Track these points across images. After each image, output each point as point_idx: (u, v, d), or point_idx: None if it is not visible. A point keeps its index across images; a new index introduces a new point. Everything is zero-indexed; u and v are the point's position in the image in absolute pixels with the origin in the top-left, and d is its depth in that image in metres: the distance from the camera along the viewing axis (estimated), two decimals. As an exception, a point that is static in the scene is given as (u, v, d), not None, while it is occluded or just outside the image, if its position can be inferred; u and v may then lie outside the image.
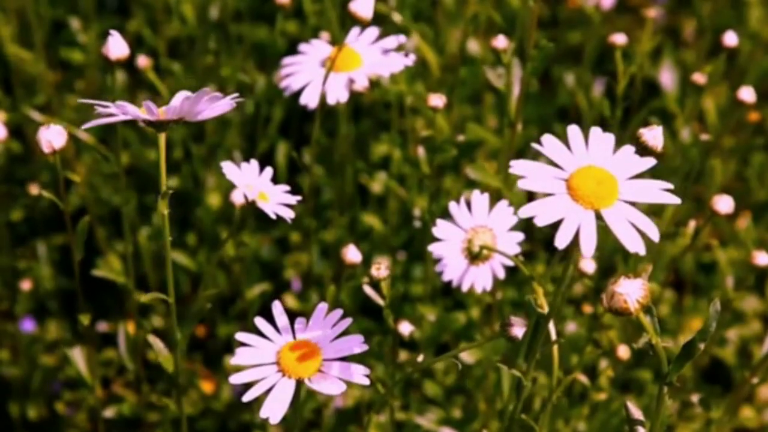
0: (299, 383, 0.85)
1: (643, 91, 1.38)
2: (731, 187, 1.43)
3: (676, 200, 0.78)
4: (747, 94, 1.15)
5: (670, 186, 0.78)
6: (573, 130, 0.80)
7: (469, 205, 1.00)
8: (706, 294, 1.43)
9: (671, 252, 1.27)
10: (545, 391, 1.17)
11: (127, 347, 1.24)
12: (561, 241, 0.74)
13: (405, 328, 1.04)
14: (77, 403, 1.36)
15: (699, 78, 1.20)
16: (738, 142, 1.46)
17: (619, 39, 1.17)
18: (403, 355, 1.26)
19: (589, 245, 0.74)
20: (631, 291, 0.76)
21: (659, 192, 0.78)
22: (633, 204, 0.77)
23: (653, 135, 0.83)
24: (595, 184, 0.77)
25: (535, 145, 0.79)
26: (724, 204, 1.08)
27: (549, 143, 0.79)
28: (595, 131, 0.80)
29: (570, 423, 1.21)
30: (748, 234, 1.34)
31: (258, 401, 1.31)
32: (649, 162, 0.80)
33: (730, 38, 1.21)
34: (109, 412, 1.30)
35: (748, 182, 1.47)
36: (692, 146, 1.34)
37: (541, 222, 0.74)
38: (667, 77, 1.54)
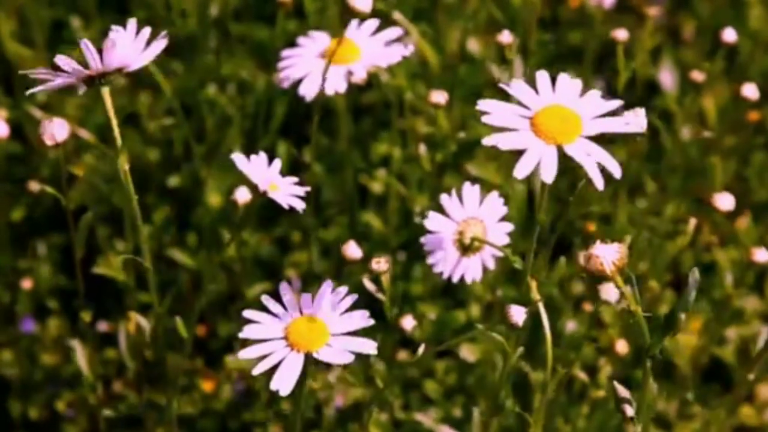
0: (308, 357, 0.87)
1: (643, 91, 1.38)
2: (731, 187, 1.42)
3: (640, 127, 0.81)
4: (750, 91, 1.16)
5: (637, 116, 0.80)
6: (541, 75, 0.83)
7: (460, 197, 1.01)
8: (706, 294, 1.43)
9: (671, 252, 1.27)
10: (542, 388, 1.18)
11: (128, 346, 1.24)
12: (521, 170, 0.77)
13: (408, 323, 1.04)
14: (78, 403, 1.36)
15: (698, 75, 1.20)
16: (738, 142, 1.46)
17: (621, 34, 1.17)
18: (403, 354, 1.26)
19: (549, 175, 0.77)
20: (606, 253, 0.79)
21: (623, 125, 0.80)
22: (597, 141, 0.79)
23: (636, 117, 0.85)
24: (559, 122, 0.78)
25: (502, 85, 0.81)
26: (725, 201, 1.08)
27: (517, 86, 0.82)
28: (563, 77, 0.83)
29: (570, 421, 1.21)
30: (748, 234, 1.34)
31: (258, 401, 1.32)
32: (613, 104, 0.82)
33: (729, 34, 1.21)
34: (109, 412, 1.30)
35: (748, 182, 1.47)
36: (692, 145, 1.34)
37: (503, 147, 0.77)
38: (667, 77, 1.54)
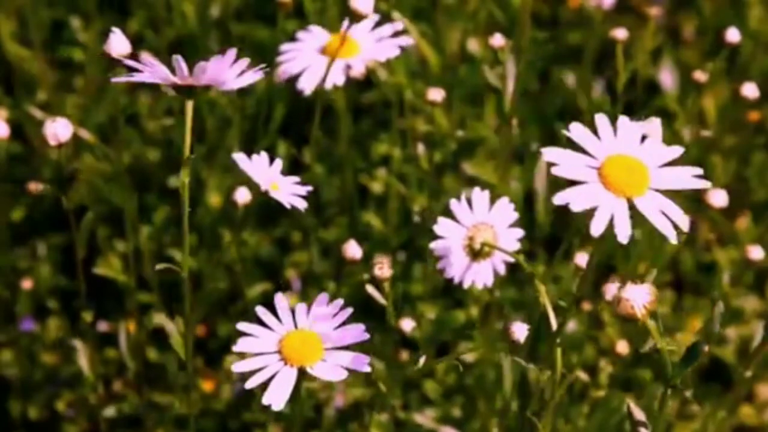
0: (301, 371, 0.86)
1: (643, 91, 1.38)
2: (731, 187, 1.43)
3: (707, 184, 0.79)
4: (750, 90, 1.15)
5: (700, 171, 0.79)
6: (601, 119, 0.80)
7: (470, 202, 1.00)
8: (706, 294, 1.43)
9: (671, 251, 1.27)
10: (546, 391, 1.18)
11: (128, 346, 1.24)
12: (596, 228, 0.75)
13: (407, 324, 1.04)
14: (78, 403, 1.36)
15: (700, 76, 1.20)
16: (738, 141, 1.46)
17: (620, 33, 1.17)
18: (403, 355, 1.26)
19: (624, 232, 0.75)
20: (637, 297, 0.78)
21: (691, 179, 0.79)
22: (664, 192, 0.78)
23: (653, 128, 0.84)
24: (626, 172, 0.77)
25: (564, 132, 0.79)
26: (718, 198, 1.08)
27: (577, 130, 0.80)
28: (623, 120, 0.81)
29: (570, 421, 1.21)
30: (748, 233, 1.34)
31: (258, 400, 1.31)
32: (679, 150, 0.81)
33: (732, 35, 1.21)
34: (109, 412, 1.30)
35: (748, 181, 1.47)
36: (692, 145, 1.34)
37: (576, 208, 0.75)
38: (667, 77, 1.54)
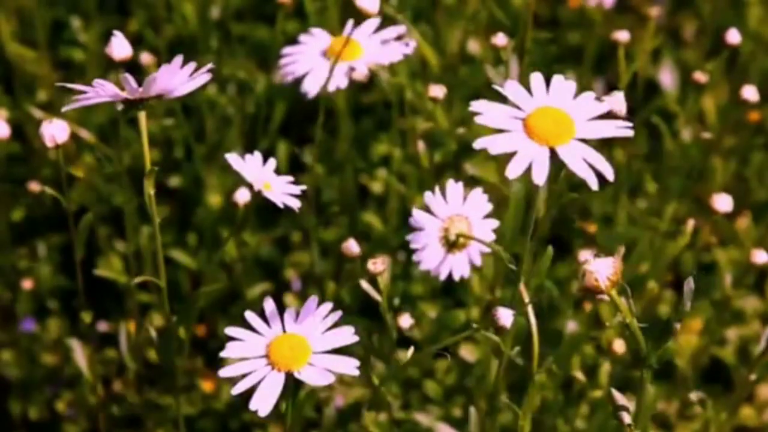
0: (288, 376, 0.85)
1: (644, 91, 1.39)
2: (731, 187, 1.43)
3: (628, 133, 0.80)
4: (750, 93, 1.16)
5: (628, 123, 0.80)
6: (536, 76, 0.83)
7: (444, 194, 1.01)
8: (706, 294, 1.43)
9: (671, 252, 1.27)
10: (544, 390, 1.18)
11: (128, 346, 1.24)
12: (512, 171, 0.77)
13: (405, 321, 1.05)
14: (78, 403, 1.36)
15: (700, 77, 1.20)
16: (738, 142, 1.46)
17: (622, 36, 1.17)
18: (402, 354, 1.26)
19: (540, 176, 0.77)
20: (601, 269, 0.79)
21: (613, 128, 0.80)
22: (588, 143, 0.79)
23: (615, 101, 0.85)
24: (552, 124, 0.78)
25: (495, 86, 0.81)
26: (723, 203, 1.08)
27: (510, 87, 0.82)
28: (558, 78, 0.83)
29: (569, 421, 1.21)
30: (748, 234, 1.34)
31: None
32: (606, 106, 0.82)
33: (733, 36, 1.21)
34: (109, 412, 1.30)
35: (748, 182, 1.48)
36: (692, 146, 1.34)
37: (494, 151, 0.77)
38: (667, 77, 1.54)
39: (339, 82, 1.10)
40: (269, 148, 1.40)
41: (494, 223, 1.02)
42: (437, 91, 1.12)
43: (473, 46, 1.44)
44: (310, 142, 1.41)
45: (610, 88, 1.39)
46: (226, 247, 1.25)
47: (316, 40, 1.14)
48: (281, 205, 0.94)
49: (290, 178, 0.97)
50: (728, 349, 1.38)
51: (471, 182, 1.27)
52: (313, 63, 1.12)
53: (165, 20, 1.44)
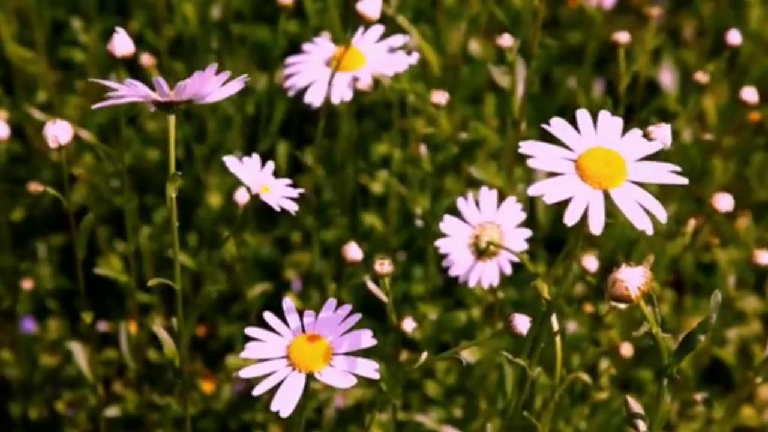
0: (309, 377, 0.85)
1: (644, 91, 1.39)
2: (731, 187, 1.43)
3: (683, 181, 0.79)
4: (749, 94, 1.16)
5: (678, 168, 0.79)
6: (582, 114, 0.81)
7: (477, 201, 1.00)
8: (706, 294, 1.43)
9: (671, 252, 1.27)
10: (546, 391, 1.18)
11: (129, 346, 1.24)
12: (570, 218, 0.75)
13: (408, 324, 1.04)
14: (78, 403, 1.36)
15: (701, 77, 1.20)
16: (738, 142, 1.46)
17: (622, 37, 1.17)
18: (404, 355, 1.26)
19: (597, 223, 0.75)
20: (632, 278, 0.77)
21: (667, 173, 0.79)
22: (642, 186, 0.78)
23: (663, 134, 0.84)
24: (604, 165, 0.77)
25: (544, 125, 0.79)
26: (724, 202, 1.08)
27: (557, 125, 0.80)
28: (604, 114, 0.81)
29: (571, 422, 1.21)
30: (749, 234, 1.34)
31: (259, 400, 1.32)
32: (657, 145, 0.81)
33: (734, 36, 1.21)
34: (109, 412, 1.30)
35: (749, 182, 1.48)
36: (693, 146, 1.34)
37: (549, 200, 0.75)
38: (668, 77, 1.54)
39: (343, 93, 1.09)
40: (269, 149, 1.40)
41: (527, 232, 1.02)
42: (440, 97, 1.11)
43: (474, 47, 1.44)
44: (311, 143, 1.41)
45: (611, 87, 1.39)
46: (226, 247, 1.25)
47: (319, 49, 1.14)
48: (278, 208, 0.93)
49: (289, 181, 0.96)
50: (729, 349, 1.39)
51: (471, 183, 1.28)
52: (316, 74, 1.11)
53: (165, 20, 1.44)
